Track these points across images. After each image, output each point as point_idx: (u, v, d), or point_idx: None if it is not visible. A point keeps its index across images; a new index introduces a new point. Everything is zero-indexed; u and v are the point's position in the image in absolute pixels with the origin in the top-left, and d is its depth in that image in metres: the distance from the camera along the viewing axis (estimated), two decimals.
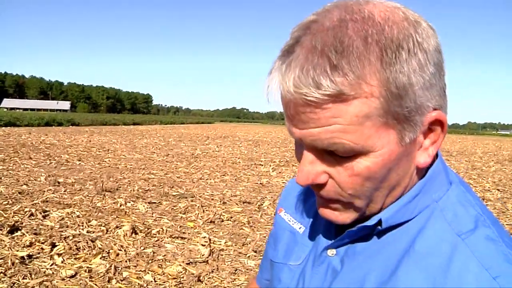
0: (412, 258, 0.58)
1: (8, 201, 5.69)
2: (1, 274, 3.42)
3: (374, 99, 0.51)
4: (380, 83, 0.51)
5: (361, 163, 0.56)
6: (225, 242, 4.56)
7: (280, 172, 10.17)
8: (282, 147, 18.59)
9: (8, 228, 4.44)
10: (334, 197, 0.60)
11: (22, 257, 3.74)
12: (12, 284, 3.26)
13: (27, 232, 4.42)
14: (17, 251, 3.89)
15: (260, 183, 8.46)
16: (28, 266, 3.61)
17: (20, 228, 4.55)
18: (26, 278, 3.39)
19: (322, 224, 0.72)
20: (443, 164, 0.65)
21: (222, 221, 5.41)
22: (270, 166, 11.30)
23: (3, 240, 4.16)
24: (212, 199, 6.62)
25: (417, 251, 0.58)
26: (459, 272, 0.54)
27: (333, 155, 0.57)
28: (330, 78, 0.50)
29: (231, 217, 5.58)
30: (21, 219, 4.90)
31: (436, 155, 0.64)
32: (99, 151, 12.84)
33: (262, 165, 11.52)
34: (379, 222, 0.61)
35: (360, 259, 0.63)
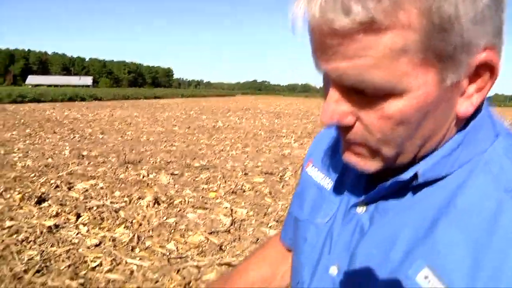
0: (451, 215, 0.51)
1: (35, 174, 5.81)
2: (31, 242, 3.52)
3: (412, 31, 0.44)
4: (421, 12, 0.43)
5: (393, 104, 0.48)
6: (247, 212, 4.57)
7: (301, 144, 10.10)
8: (303, 119, 18.46)
9: (36, 199, 4.55)
10: (360, 141, 0.54)
11: (49, 227, 3.84)
12: (41, 252, 3.36)
13: (53, 203, 4.52)
14: (45, 221, 3.99)
15: (282, 154, 8.43)
16: (55, 235, 3.70)
17: (46, 199, 4.65)
18: (53, 246, 3.48)
19: (352, 179, 0.66)
20: (490, 114, 0.57)
21: (244, 191, 5.42)
22: (292, 137, 11.24)
23: (31, 211, 4.27)
24: (234, 170, 6.63)
25: (457, 208, 0.51)
26: (506, 233, 0.48)
27: (362, 95, 0.50)
28: (361, 2, 0.43)
29: (253, 188, 5.59)
30: (48, 190, 5.01)
31: (481, 103, 0.55)
32: (121, 125, 12.98)
33: (283, 136, 11.47)
34: (415, 176, 0.54)
35: (392, 216, 0.57)
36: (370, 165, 0.56)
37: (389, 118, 0.49)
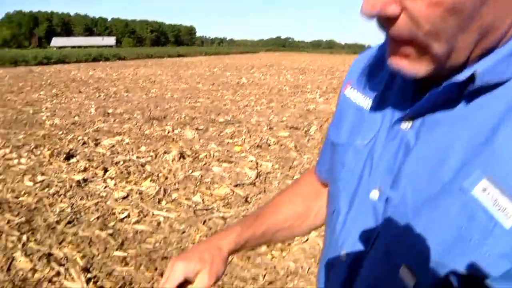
0: None
1: (63, 132, 5.92)
2: (62, 196, 3.61)
3: None
4: None
5: None
6: (272, 165, 4.55)
7: (327, 99, 9.94)
8: (328, 75, 18.12)
9: (64, 155, 4.64)
10: (407, 37, 0.47)
11: (78, 181, 3.92)
12: (71, 205, 3.44)
13: (81, 159, 4.60)
14: (74, 175, 4.07)
15: (307, 110, 8.32)
16: (84, 189, 3.78)
17: (74, 155, 4.74)
18: (83, 199, 3.55)
19: (396, 93, 0.59)
20: None
21: (269, 145, 5.39)
22: (317, 93, 11.07)
23: (61, 166, 4.36)
24: (259, 125, 6.59)
25: None
26: None
27: None
28: None
29: (278, 142, 5.55)
30: (75, 147, 5.09)
31: None
32: (145, 83, 13.02)
33: (308, 92, 11.31)
34: (471, 79, 0.46)
35: (442, 129, 0.50)
36: (419, 68, 0.48)
37: (439, 4, 0.42)
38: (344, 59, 40.31)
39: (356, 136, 0.63)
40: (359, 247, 0.58)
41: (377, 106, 0.62)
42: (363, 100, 0.65)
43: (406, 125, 0.55)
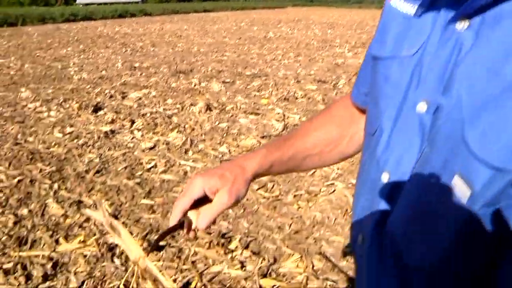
0: None
1: (90, 85, 5.95)
2: (90, 147, 3.66)
3: None
4: None
5: None
6: (299, 118, 4.47)
7: (356, 53, 9.63)
8: (358, 29, 17.53)
9: (92, 108, 4.68)
10: None
11: (106, 132, 3.95)
12: (99, 155, 3.48)
13: (108, 111, 4.63)
14: (101, 127, 4.11)
15: (335, 64, 8.10)
16: (111, 140, 3.81)
17: (102, 107, 4.77)
18: (110, 150, 3.59)
19: None
20: None
21: (296, 98, 5.29)
22: (346, 47, 10.73)
23: (89, 118, 4.40)
24: (286, 78, 6.46)
25: None
26: None
27: None
28: None
29: (306, 95, 5.43)
30: (103, 100, 5.12)
31: None
32: (171, 38, 12.89)
33: (337, 46, 10.97)
34: None
35: (506, 24, 0.42)
36: None
37: None
38: (374, 14, 38.76)
39: (402, 47, 0.55)
40: (404, 165, 0.51)
41: (427, 9, 0.53)
42: (411, 8, 0.56)
43: (462, 25, 0.46)
